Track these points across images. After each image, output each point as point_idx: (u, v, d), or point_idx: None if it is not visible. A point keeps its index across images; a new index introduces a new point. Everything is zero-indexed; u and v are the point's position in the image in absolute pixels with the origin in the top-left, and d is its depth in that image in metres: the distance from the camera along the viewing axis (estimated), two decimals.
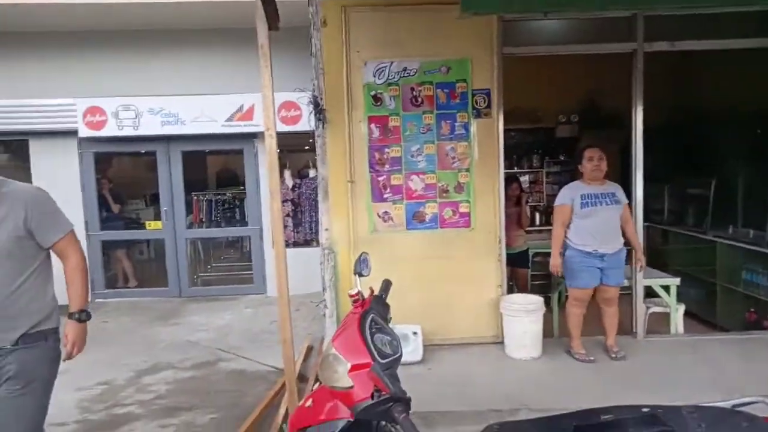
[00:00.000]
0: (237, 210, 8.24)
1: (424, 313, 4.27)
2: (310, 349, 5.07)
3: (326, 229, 4.47)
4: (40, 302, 2.24)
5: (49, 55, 6.93)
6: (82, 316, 2.25)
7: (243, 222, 7.94)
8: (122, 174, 8.19)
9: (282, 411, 3.58)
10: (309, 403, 1.71)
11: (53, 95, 6.73)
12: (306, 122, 6.79)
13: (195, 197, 7.82)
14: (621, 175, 5.11)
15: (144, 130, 6.81)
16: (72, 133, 6.81)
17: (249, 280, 7.62)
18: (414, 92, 4.42)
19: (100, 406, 3.98)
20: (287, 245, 7.43)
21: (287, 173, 7.50)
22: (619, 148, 5.84)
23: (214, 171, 9.98)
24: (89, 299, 2.25)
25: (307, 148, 7.92)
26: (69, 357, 2.23)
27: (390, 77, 4.41)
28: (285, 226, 7.54)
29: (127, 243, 7.79)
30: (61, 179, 6.65)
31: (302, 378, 4.30)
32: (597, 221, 4.03)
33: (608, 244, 4.04)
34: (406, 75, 4.41)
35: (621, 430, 1.42)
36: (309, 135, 7.82)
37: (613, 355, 4.16)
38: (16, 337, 2.15)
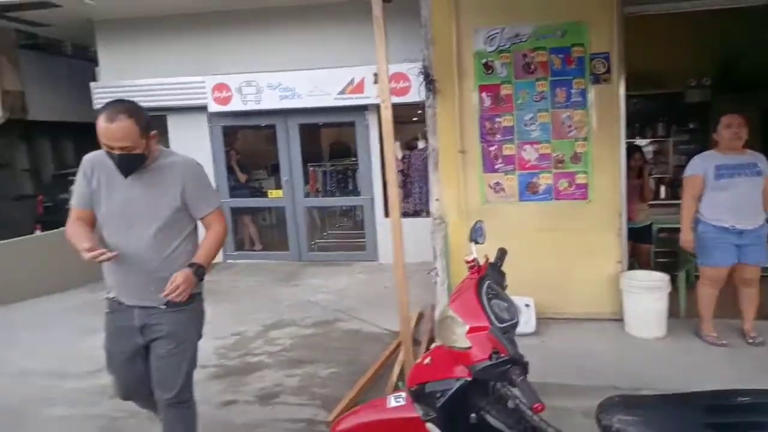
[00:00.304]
0: (350, 180, 8.58)
1: (537, 285, 4.21)
2: (421, 315, 5.23)
3: (437, 200, 4.55)
4: (185, 263, 2.35)
5: (184, 37, 7.56)
6: (200, 271, 2.24)
7: (355, 192, 8.25)
8: (246, 146, 8.82)
9: (396, 370, 3.78)
10: (427, 360, 1.83)
11: (187, 74, 7.35)
12: (415, 93, 6.85)
13: (311, 168, 8.25)
14: (763, 143, 4.63)
15: (265, 105, 7.26)
16: (202, 108, 7.44)
17: (362, 248, 7.93)
18: (527, 59, 4.30)
19: (234, 354, 4.45)
20: None
21: (396, 145, 7.59)
22: (761, 114, 5.26)
23: (328, 143, 10.41)
24: (215, 261, 2.37)
25: (415, 119, 8.02)
26: (166, 295, 2.13)
27: (501, 44, 4.32)
28: None
29: (252, 210, 8.44)
30: (194, 151, 7.15)
31: (414, 342, 4.47)
32: (735, 194, 3.70)
33: (747, 219, 3.71)
34: (518, 41, 4.29)
35: (760, 414, 1.33)
36: (418, 106, 7.90)
37: (750, 341, 3.83)
38: (163, 300, 2.25)
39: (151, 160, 2.21)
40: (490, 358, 1.54)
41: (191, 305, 2.34)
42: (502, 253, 2.05)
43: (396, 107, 7.27)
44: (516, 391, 1.57)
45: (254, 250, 8.23)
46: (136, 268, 2.22)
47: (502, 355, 1.51)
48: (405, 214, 7.66)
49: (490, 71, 4.35)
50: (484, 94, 4.38)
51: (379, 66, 3.23)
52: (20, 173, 10.25)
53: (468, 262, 1.87)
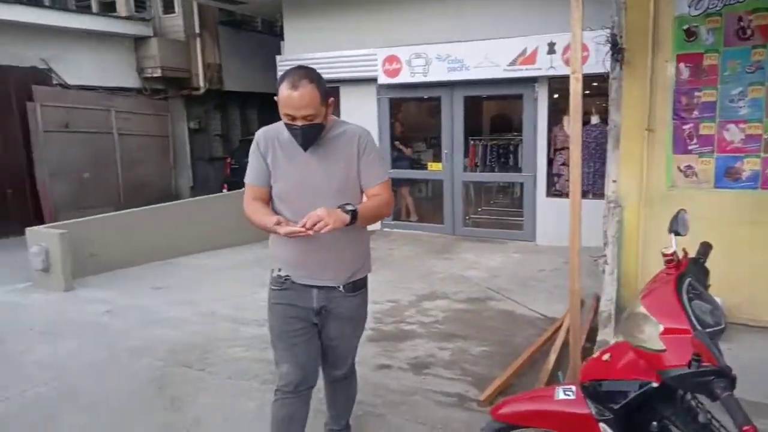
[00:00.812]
0: (510, 156, 8.27)
1: (729, 286, 3.65)
2: (581, 303, 4.90)
3: (614, 181, 4.16)
4: (364, 246, 2.32)
5: (359, 10, 7.82)
6: (352, 213, 1.98)
7: (516, 168, 7.94)
8: (408, 118, 8.94)
9: (552, 358, 3.60)
10: (606, 357, 1.67)
11: (360, 46, 7.60)
12: (594, 64, 6.35)
13: (471, 142, 8.11)
14: None
15: (432, 77, 7.25)
16: (372, 80, 7.66)
17: (518, 227, 7.67)
18: (742, 22, 3.66)
19: (389, 320, 4.59)
20: (560, 195, 7.29)
21: (566, 120, 7.17)
22: None
23: (489, 116, 10.13)
24: (372, 228, 2.34)
25: (588, 92, 7.41)
26: (304, 225, 1.88)
27: (710, 5, 3.73)
28: (560, 175, 7.36)
29: (410, 181, 8.59)
30: (362, 122, 7.56)
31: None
32: None
33: None
34: (732, 2, 3.68)
35: None
36: (593, 79, 7.31)
37: None
38: (346, 279, 2.21)
39: (326, 130, 2.11)
40: (688, 365, 1.34)
41: (365, 288, 2.32)
42: (705, 248, 1.78)
43: (568, 79, 6.84)
44: (703, 407, 1.42)
45: (410, 221, 8.39)
46: (318, 244, 2.07)
47: (706, 364, 1.31)
48: (569, 194, 7.19)
49: (692, 38, 3.80)
50: (682, 65, 3.85)
51: (573, 32, 2.97)
52: (213, 138, 11.60)
53: (666, 255, 1.64)
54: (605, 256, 4.22)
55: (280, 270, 2.23)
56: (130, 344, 4.07)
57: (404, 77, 7.38)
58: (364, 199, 2.21)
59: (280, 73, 8.06)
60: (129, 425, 2.99)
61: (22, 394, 3.28)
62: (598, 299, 4.87)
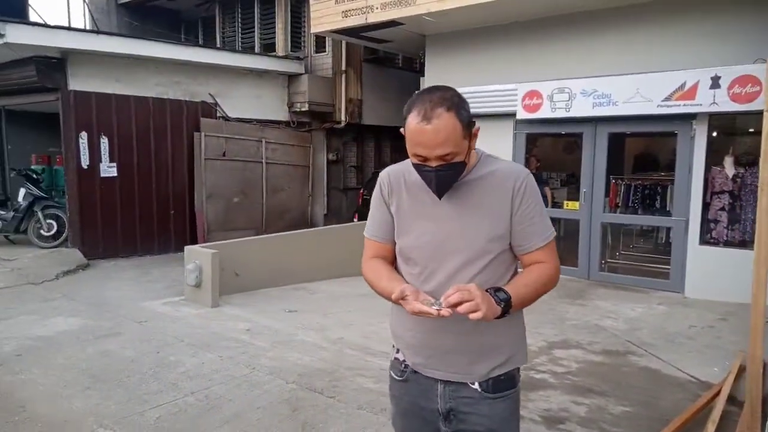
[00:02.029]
0: (658, 198, 7.64)
1: None
2: (742, 369, 4.31)
3: None
4: (516, 325, 1.66)
5: (500, 45, 7.80)
6: (504, 302, 1.47)
7: (663, 211, 7.31)
8: (544, 154, 8.66)
9: (711, 430, 3.17)
10: None
11: (500, 81, 7.57)
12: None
13: (613, 180, 7.62)
14: None
15: (575, 112, 6.96)
16: (510, 115, 7.55)
17: (663, 275, 7.00)
18: None
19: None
20: (716, 244, 6.55)
21: (728, 160, 6.47)
22: None
23: (633, 154, 9.49)
24: (523, 307, 1.60)
25: (752, 131, 6.66)
26: (452, 302, 1.38)
27: None
28: (717, 221, 6.62)
29: None
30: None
31: (732, 400, 3.71)
32: None
33: None
34: None
35: None
36: (760, 116, 6.56)
37: None
38: (485, 373, 1.61)
39: (469, 168, 1.59)
40: None
41: (515, 388, 1.66)
42: None
43: (735, 116, 6.26)
44: None
45: None
46: (446, 322, 1.49)
47: None
48: (727, 243, 6.49)
49: None
50: None
51: None
52: (348, 169, 12.17)
53: None
54: None
55: (398, 352, 1.74)
56: (265, 363, 4.30)
57: (545, 112, 7.17)
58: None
59: None
60: None
61: (174, 402, 3.59)
62: (765, 366, 4.32)
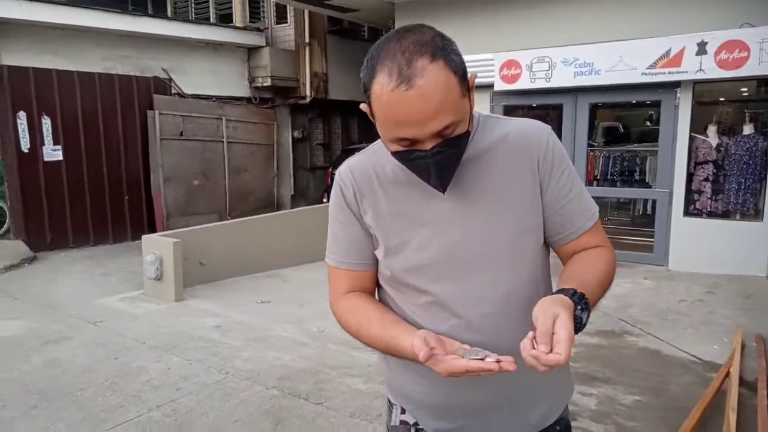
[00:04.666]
0: (637, 169, 7.47)
1: None
2: (743, 346, 4.15)
3: None
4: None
5: (475, 13, 7.38)
6: (582, 316, 1.00)
7: (643, 183, 7.14)
8: None
9: (732, 419, 2.94)
10: None
11: (476, 51, 7.16)
12: (754, 65, 5.51)
13: (591, 153, 7.39)
14: None
15: (555, 82, 6.64)
16: (487, 86, 7.18)
17: (646, 249, 6.85)
18: None
19: None
20: (700, 215, 6.41)
21: (712, 129, 6.29)
22: None
23: (613, 124, 9.35)
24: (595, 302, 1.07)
25: (735, 100, 6.54)
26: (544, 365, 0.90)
27: None
28: (701, 192, 6.47)
29: None
30: None
31: (741, 381, 3.52)
32: None
33: None
34: None
35: None
36: (746, 83, 6.41)
37: None
38: (538, 422, 1.20)
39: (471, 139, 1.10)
40: None
41: None
42: None
43: (720, 83, 6.06)
44: None
45: None
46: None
47: None
48: (711, 214, 6.36)
49: None
50: None
51: None
52: (315, 147, 11.63)
53: None
54: None
55: (403, 413, 1.25)
56: (240, 365, 3.86)
57: (524, 83, 6.82)
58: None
59: None
60: None
61: (137, 420, 3.11)
62: (763, 341, 4.19)
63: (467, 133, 1.02)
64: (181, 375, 3.69)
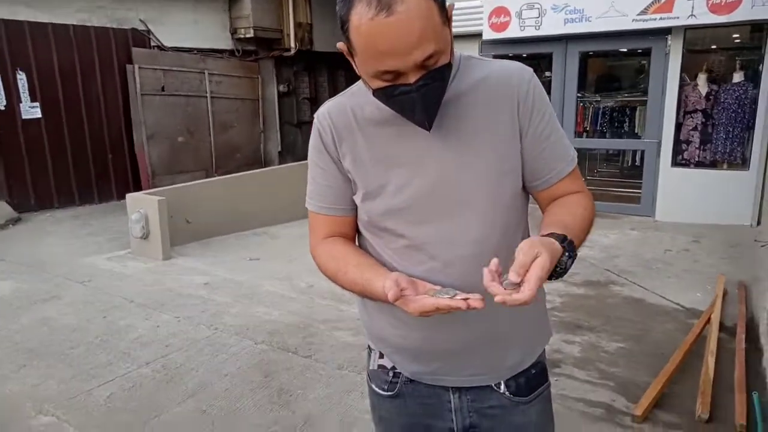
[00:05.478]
0: (626, 120, 7.41)
1: None
2: (725, 293, 4.23)
3: None
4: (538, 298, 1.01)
5: None
6: (567, 263, 0.95)
7: (632, 134, 7.11)
8: None
9: (711, 362, 3.03)
10: None
11: None
12: (746, 10, 5.40)
13: (580, 104, 7.31)
14: None
15: (545, 30, 6.49)
16: (475, 35, 7.00)
17: (633, 200, 6.90)
18: None
19: None
20: (687, 165, 6.42)
21: (702, 78, 6.22)
22: None
23: (600, 74, 9.18)
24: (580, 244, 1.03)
25: (725, 47, 6.44)
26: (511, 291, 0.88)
27: None
28: (689, 142, 6.45)
29: None
30: None
31: (721, 327, 3.61)
32: None
33: None
34: None
35: None
36: (738, 29, 6.29)
37: None
38: (514, 365, 1.19)
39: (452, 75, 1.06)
40: None
41: (548, 383, 1.25)
42: None
43: (710, 30, 5.94)
44: None
45: None
46: (452, 313, 0.98)
47: None
48: (699, 164, 6.37)
49: None
50: None
51: None
52: (302, 101, 11.40)
53: None
54: None
55: (381, 357, 1.26)
56: (230, 321, 3.88)
57: (513, 31, 6.66)
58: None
59: None
60: (242, 420, 2.73)
61: (127, 376, 3.14)
62: (745, 288, 4.27)
63: (450, 65, 0.99)
64: (170, 332, 3.71)
